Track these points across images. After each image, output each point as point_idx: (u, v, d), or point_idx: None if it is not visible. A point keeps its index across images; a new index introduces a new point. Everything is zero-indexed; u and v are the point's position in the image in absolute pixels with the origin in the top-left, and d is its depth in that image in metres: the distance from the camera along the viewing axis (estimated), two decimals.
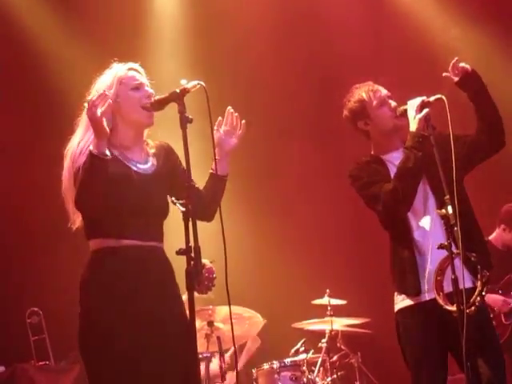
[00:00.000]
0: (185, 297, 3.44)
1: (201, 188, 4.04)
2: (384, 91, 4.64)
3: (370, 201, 4.50)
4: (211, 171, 4.04)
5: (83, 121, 3.85)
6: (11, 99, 8.24)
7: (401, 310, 4.44)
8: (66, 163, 3.83)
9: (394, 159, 4.55)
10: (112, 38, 8.23)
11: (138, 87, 3.91)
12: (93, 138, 3.67)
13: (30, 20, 8.31)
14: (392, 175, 4.45)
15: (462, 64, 4.44)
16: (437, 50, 8.10)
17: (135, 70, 3.98)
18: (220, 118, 4.04)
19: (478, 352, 4.06)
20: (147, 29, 8.75)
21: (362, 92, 4.63)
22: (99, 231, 3.78)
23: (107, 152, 3.65)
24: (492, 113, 4.49)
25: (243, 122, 4.07)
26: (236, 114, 4.05)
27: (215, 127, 4.02)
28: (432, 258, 4.29)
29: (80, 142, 3.80)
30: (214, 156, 3.90)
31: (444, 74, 4.48)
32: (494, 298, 6.89)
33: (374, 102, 4.58)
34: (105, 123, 3.59)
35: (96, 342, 3.68)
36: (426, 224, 4.40)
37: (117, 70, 3.94)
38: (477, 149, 4.47)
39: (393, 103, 4.60)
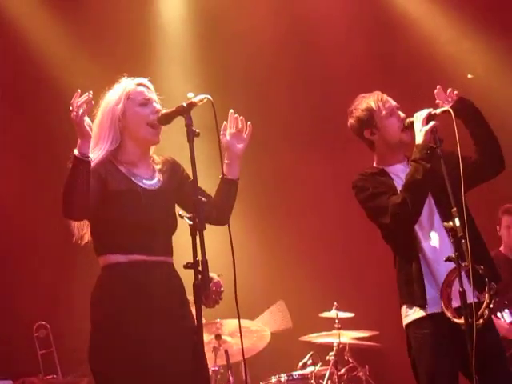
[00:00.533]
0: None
1: (211, 194, 4.03)
2: (393, 102, 4.61)
3: (375, 213, 4.46)
4: (221, 176, 4.01)
5: (100, 132, 3.86)
6: (20, 112, 8.27)
7: (412, 323, 4.41)
8: None
9: (399, 171, 4.54)
10: (120, 50, 8.25)
11: (146, 103, 3.90)
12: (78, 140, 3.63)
13: (36, 29, 8.34)
14: (397, 187, 4.44)
15: (448, 91, 4.45)
16: (445, 61, 8.12)
17: (144, 85, 3.97)
18: (225, 122, 4.02)
19: (486, 364, 4.02)
20: (155, 39, 8.75)
21: (370, 101, 4.59)
22: (107, 247, 3.77)
23: (90, 155, 3.64)
24: (486, 138, 4.47)
25: (249, 123, 4.05)
26: (241, 117, 4.02)
27: (221, 131, 4.00)
28: (440, 271, 4.27)
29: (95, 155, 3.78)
30: (222, 160, 3.91)
31: (437, 103, 4.49)
32: (499, 324, 6.82)
33: (383, 112, 4.55)
34: (87, 125, 3.56)
35: (108, 359, 3.66)
36: (433, 237, 4.39)
37: (125, 85, 3.94)
38: (476, 171, 4.43)
39: (401, 114, 4.58)
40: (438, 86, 4.50)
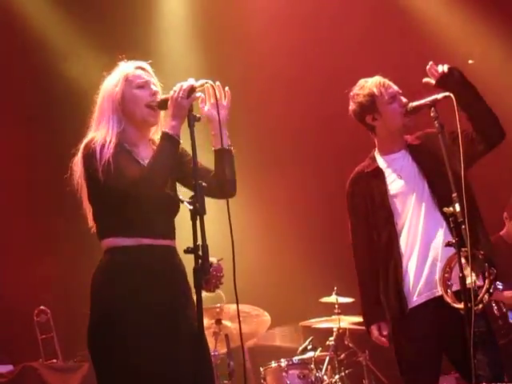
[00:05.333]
0: None
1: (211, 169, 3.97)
2: (395, 87, 4.61)
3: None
4: (213, 148, 3.94)
5: (103, 116, 3.85)
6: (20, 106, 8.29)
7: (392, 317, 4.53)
8: (85, 155, 3.78)
9: (393, 162, 4.58)
10: (122, 39, 8.23)
11: (143, 86, 3.89)
12: (169, 120, 3.70)
13: (37, 18, 8.33)
14: (388, 186, 4.53)
15: (439, 67, 4.43)
16: (445, 46, 8.10)
17: (143, 68, 3.96)
18: (201, 94, 3.88)
19: (477, 349, 4.03)
20: (157, 29, 8.76)
21: (372, 86, 4.59)
22: (112, 230, 3.76)
23: (97, 135, 3.71)
24: (480, 108, 4.43)
25: (227, 89, 3.93)
26: (217, 83, 3.89)
27: (200, 104, 3.90)
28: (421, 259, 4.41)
29: (106, 136, 3.76)
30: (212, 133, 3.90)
31: (424, 81, 4.47)
32: (505, 295, 6.80)
33: (385, 98, 4.55)
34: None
35: (110, 345, 3.65)
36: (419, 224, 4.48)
37: (124, 68, 3.93)
38: (474, 145, 4.41)
39: (403, 99, 4.58)
40: (430, 62, 4.47)
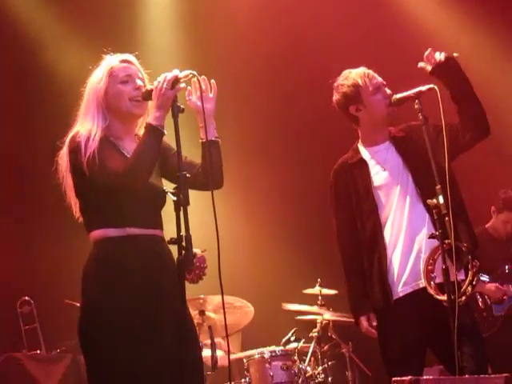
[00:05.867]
0: None
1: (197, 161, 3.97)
2: (379, 78, 4.61)
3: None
4: (201, 140, 3.93)
5: (88, 111, 3.86)
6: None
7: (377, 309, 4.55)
8: (71, 149, 3.79)
9: (377, 154, 4.59)
10: (108, 32, 8.20)
11: (127, 80, 3.88)
12: (153, 111, 3.70)
13: (24, 12, 8.29)
14: (372, 178, 4.54)
15: (437, 54, 4.41)
16: (432, 38, 8.10)
17: (128, 61, 3.95)
18: (188, 86, 3.89)
19: (461, 341, 4.02)
20: (143, 20, 8.73)
21: (356, 77, 4.59)
22: (99, 222, 3.77)
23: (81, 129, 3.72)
24: (471, 102, 4.42)
25: (213, 81, 3.94)
26: (202, 76, 3.87)
27: (187, 97, 3.90)
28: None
29: (91, 130, 3.77)
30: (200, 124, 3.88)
31: (420, 65, 4.45)
32: (487, 288, 6.84)
33: (370, 88, 4.55)
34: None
35: (103, 334, 3.66)
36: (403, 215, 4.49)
37: (108, 62, 3.93)
38: (458, 139, 4.41)
39: (388, 91, 4.58)
40: (429, 49, 4.44)
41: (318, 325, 7.00)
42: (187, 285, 3.51)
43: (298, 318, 7.27)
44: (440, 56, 4.38)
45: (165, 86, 3.66)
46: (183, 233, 3.39)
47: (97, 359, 3.70)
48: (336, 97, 4.66)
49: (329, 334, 7.18)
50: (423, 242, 4.37)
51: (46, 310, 7.67)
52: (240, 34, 8.61)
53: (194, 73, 3.70)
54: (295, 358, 6.67)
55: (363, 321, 4.55)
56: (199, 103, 3.84)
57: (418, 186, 4.45)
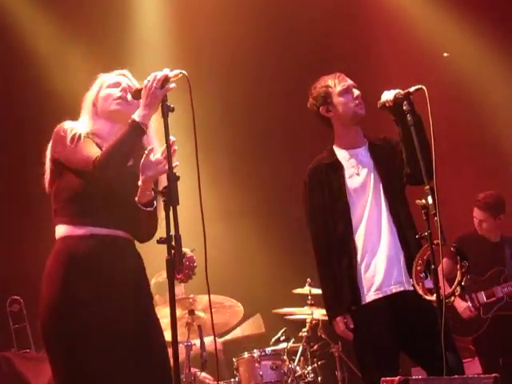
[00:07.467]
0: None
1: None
2: (349, 81, 4.70)
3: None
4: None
5: (81, 114, 3.99)
6: None
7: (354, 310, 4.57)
8: (53, 138, 3.88)
9: (353, 157, 4.65)
10: (97, 32, 8.19)
11: (116, 84, 3.98)
12: (140, 109, 3.71)
13: (21, 20, 8.27)
14: (347, 180, 4.59)
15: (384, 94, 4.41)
16: (420, 40, 8.13)
17: (121, 73, 4.06)
18: (152, 146, 3.75)
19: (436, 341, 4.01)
20: (132, 21, 8.71)
21: (327, 78, 4.71)
22: (66, 218, 3.81)
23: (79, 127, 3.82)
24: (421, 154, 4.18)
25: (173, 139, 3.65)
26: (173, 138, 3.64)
27: (146, 152, 3.70)
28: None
29: (77, 125, 3.88)
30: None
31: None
32: (459, 306, 6.88)
33: (338, 88, 4.65)
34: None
35: (70, 330, 3.72)
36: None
37: (104, 78, 4.05)
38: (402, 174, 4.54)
39: (356, 92, 4.65)
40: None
41: (308, 324, 7.01)
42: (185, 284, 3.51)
43: (288, 317, 7.28)
44: (388, 96, 4.37)
45: (154, 84, 3.67)
46: (172, 232, 3.39)
47: (59, 353, 3.80)
48: (309, 100, 4.78)
49: (318, 333, 7.18)
50: (392, 248, 4.44)
51: (36, 309, 7.64)
52: (230, 32, 8.61)
53: (184, 72, 3.71)
54: (285, 357, 6.67)
55: (340, 322, 4.54)
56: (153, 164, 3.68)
57: (387, 194, 4.51)
